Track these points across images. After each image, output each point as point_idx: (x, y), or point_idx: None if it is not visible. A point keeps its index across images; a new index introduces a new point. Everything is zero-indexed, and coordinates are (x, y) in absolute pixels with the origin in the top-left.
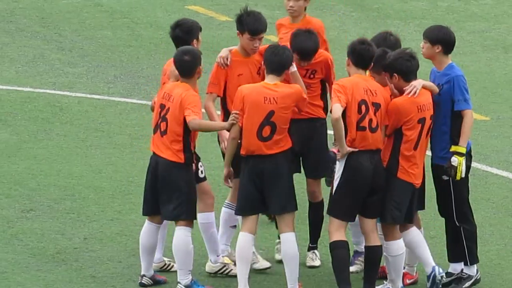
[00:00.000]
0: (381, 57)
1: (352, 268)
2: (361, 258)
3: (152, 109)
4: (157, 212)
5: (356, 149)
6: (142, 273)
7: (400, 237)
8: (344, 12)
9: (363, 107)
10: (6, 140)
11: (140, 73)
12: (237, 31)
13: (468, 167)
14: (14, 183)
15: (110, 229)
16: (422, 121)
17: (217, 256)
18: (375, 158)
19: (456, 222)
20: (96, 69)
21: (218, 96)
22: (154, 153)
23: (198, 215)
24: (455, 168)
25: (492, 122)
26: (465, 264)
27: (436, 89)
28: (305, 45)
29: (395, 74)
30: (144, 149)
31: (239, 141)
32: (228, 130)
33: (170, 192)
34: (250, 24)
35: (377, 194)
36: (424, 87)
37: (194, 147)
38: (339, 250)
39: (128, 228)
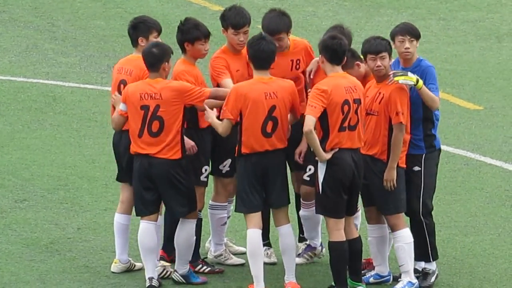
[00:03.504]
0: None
1: (299, 260)
2: (311, 253)
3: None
4: (156, 211)
5: (336, 149)
6: (150, 275)
7: (407, 225)
8: (337, 2)
9: (346, 107)
10: None
11: None
12: (222, 29)
13: (436, 165)
14: (7, 173)
15: (103, 219)
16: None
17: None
18: (356, 157)
19: (421, 216)
20: (89, 59)
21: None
22: (143, 154)
23: (118, 216)
24: (404, 76)
25: (486, 112)
26: (427, 261)
27: None
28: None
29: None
30: None
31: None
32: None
33: (176, 191)
34: (231, 18)
35: (353, 193)
36: None
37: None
38: (337, 251)
39: None
